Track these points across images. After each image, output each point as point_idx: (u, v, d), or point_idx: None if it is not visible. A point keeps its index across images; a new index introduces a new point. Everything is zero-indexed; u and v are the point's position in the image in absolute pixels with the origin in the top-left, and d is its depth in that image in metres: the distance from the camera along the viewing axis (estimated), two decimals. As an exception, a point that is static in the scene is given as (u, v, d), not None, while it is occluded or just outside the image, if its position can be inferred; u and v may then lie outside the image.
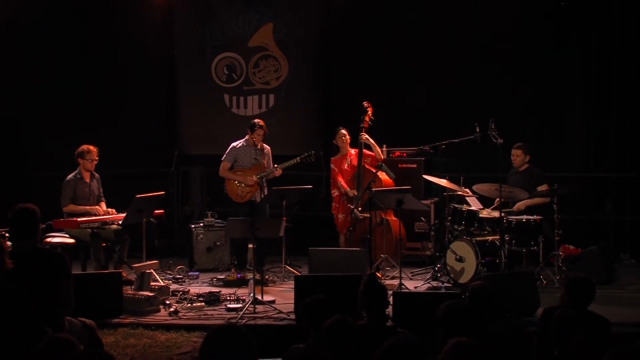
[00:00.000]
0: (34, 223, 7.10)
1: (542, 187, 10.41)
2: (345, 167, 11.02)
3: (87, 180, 10.40)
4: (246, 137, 10.86)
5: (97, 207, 10.28)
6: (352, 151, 11.01)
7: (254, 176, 10.69)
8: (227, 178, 10.88)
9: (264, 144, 10.78)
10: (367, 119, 10.85)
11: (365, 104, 10.90)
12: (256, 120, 10.88)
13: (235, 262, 10.98)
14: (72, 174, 10.35)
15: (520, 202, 10.44)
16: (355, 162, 10.90)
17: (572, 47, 12.31)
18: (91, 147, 10.38)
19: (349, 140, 11.03)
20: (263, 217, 10.37)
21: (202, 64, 12.87)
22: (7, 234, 8.05)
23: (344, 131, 11.04)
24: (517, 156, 10.64)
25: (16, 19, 12.62)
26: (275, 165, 10.74)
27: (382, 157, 11.09)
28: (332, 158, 11.26)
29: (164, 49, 13.01)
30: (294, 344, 5.84)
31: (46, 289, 5.94)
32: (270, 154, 10.89)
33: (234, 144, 10.92)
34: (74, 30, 12.72)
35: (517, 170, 10.74)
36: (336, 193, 11.14)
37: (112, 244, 10.26)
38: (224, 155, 10.93)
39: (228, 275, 10.45)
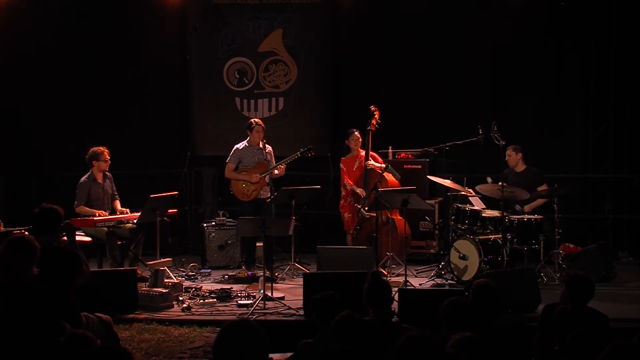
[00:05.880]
0: (55, 222, 7.31)
1: (542, 187, 10.58)
2: (355, 169, 11.14)
3: (100, 181, 10.53)
4: (247, 138, 11.00)
5: (103, 211, 10.32)
6: (362, 152, 11.11)
7: (258, 174, 10.82)
8: (233, 179, 10.99)
9: (267, 145, 10.85)
10: (374, 122, 10.95)
11: (372, 107, 10.98)
12: (252, 120, 11.07)
13: (244, 260, 11.04)
14: (85, 176, 10.47)
15: (527, 206, 10.64)
16: (364, 164, 11.03)
17: (572, 52, 12.36)
18: (101, 148, 10.51)
19: (360, 143, 11.18)
20: (269, 215, 10.45)
21: (214, 69, 12.98)
22: (26, 232, 8.25)
23: (357, 134, 11.13)
24: (509, 155, 10.78)
25: (35, 27, 12.75)
26: (278, 164, 10.83)
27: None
28: (342, 158, 11.36)
29: (177, 54, 13.10)
30: (303, 339, 6.01)
31: (63, 285, 6.03)
32: (272, 154, 10.97)
33: (237, 145, 11.03)
34: (89, 37, 12.83)
35: (513, 171, 10.89)
36: (344, 192, 11.27)
37: (127, 242, 10.38)
38: (228, 157, 11.05)
39: (239, 273, 10.58)
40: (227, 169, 11.07)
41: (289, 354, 6.08)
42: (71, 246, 7.98)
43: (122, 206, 10.68)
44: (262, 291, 8.88)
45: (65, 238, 9.77)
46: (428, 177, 11.14)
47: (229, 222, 11.57)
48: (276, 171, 10.80)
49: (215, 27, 13.00)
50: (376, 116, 10.99)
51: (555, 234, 10.14)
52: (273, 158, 10.96)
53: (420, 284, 9.99)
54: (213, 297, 9.26)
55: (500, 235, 10.08)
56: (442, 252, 11.00)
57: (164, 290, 9.05)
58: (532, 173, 10.87)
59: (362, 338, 5.50)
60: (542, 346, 6.36)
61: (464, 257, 9.97)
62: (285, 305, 8.83)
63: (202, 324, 8.39)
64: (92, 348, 4.29)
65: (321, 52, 12.93)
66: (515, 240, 10.16)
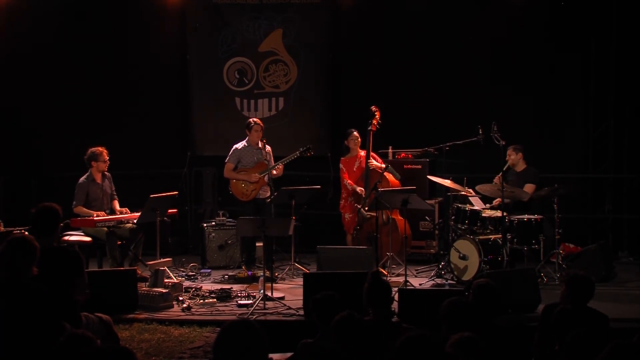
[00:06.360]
0: (54, 223, 7.28)
1: (529, 187, 10.60)
2: (355, 169, 11.15)
3: (99, 182, 10.53)
4: (247, 138, 11.01)
5: (101, 212, 10.34)
6: (362, 153, 11.13)
7: (257, 173, 10.83)
8: (232, 178, 11.00)
9: (267, 145, 10.86)
10: (374, 122, 10.96)
11: (373, 108, 10.99)
12: (251, 119, 11.10)
13: (244, 260, 11.06)
14: (84, 177, 10.47)
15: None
16: (364, 165, 11.03)
17: (572, 52, 12.37)
18: (100, 149, 10.51)
19: (359, 143, 11.21)
20: (269, 215, 10.44)
21: (214, 69, 12.99)
22: (26, 232, 8.25)
23: (356, 134, 11.16)
24: (509, 155, 10.75)
25: (35, 27, 12.77)
26: (277, 164, 10.85)
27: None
28: (342, 158, 11.35)
29: (177, 54, 13.12)
30: (302, 339, 6.02)
31: (63, 286, 5.97)
32: (271, 154, 10.97)
33: (236, 145, 11.04)
34: (89, 37, 12.86)
35: (514, 170, 10.87)
36: (345, 193, 11.26)
37: (127, 242, 10.38)
38: (227, 157, 11.06)
39: (239, 273, 10.59)
40: (226, 168, 11.07)
41: (289, 354, 6.07)
42: (72, 247, 8.01)
43: (122, 206, 10.68)
44: (262, 291, 8.89)
45: (65, 238, 9.89)
46: (428, 177, 11.14)
47: (229, 222, 11.57)
48: (274, 171, 10.80)
49: (215, 27, 13.00)
50: (377, 116, 11.00)
51: (555, 234, 10.16)
52: (272, 158, 10.95)
53: (420, 284, 10.00)
54: (213, 297, 9.26)
55: (500, 235, 10.08)
56: (442, 252, 11.02)
57: (164, 290, 9.05)
58: (532, 173, 10.87)
59: (362, 338, 5.50)
60: (542, 346, 6.36)
61: (464, 257, 9.98)
62: (285, 305, 8.84)
63: (202, 324, 8.39)
64: (96, 348, 4.29)
65: (321, 52, 12.93)
66: (515, 240, 10.17)
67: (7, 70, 12.86)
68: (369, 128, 11.00)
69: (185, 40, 13.11)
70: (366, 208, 10.86)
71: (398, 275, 10.34)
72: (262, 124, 10.99)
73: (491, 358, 5.20)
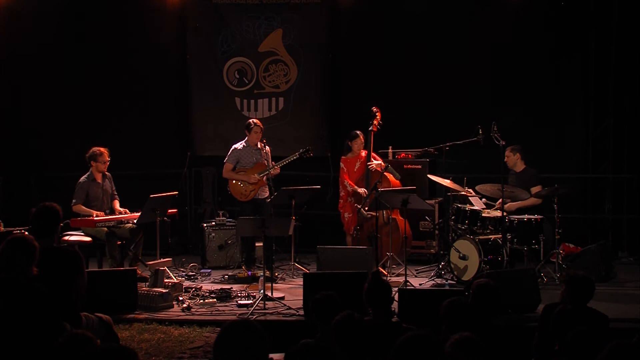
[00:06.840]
0: (54, 223, 7.27)
1: (536, 189, 10.56)
2: (355, 169, 11.14)
3: (100, 181, 10.53)
4: (246, 138, 11.02)
5: (100, 212, 10.34)
6: (363, 153, 11.13)
7: (256, 174, 10.85)
8: (231, 179, 11.02)
9: (266, 145, 10.90)
10: (375, 122, 10.97)
11: (374, 109, 11.00)
12: (251, 120, 11.10)
13: (244, 260, 11.09)
14: (85, 176, 10.48)
15: (512, 204, 10.57)
16: (365, 165, 11.03)
17: (572, 51, 12.37)
18: (102, 149, 10.50)
19: (362, 146, 11.16)
20: (268, 215, 10.47)
21: (214, 69, 13.00)
22: (26, 232, 8.25)
23: (361, 138, 11.10)
24: (507, 157, 10.74)
25: (35, 27, 12.80)
26: (273, 163, 10.83)
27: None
28: (342, 157, 11.34)
29: (177, 54, 13.13)
30: (302, 339, 6.08)
31: (63, 286, 5.93)
32: (270, 155, 10.98)
33: (235, 145, 11.06)
34: (89, 37, 12.91)
35: (513, 171, 10.87)
36: (343, 192, 11.27)
37: (127, 242, 10.37)
38: (226, 157, 11.08)
39: (239, 273, 10.58)
40: (225, 168, 11.09)
41: (288, 355, 6.08)
42: (72, 247, 7.99)
43: (121, 206, 10.66)
44: (262, 291, 8.89)
45: (65, 238, 9.88)
46: (428, 176, 11.12)
47: (229, 222, 11.57)
48: (271, 171, 10.80)
49: (215, 27, 13.01)
50: (378, 117, 11.01)
51: (555, 234, 10.16)
52: (270, 158, 10.94)
53: (420, 284, 9.99)
54: (213, 297, 9.25)
55: (500, 235, 10.08)
56: (442, 252, 10.98)
57: (164, 290, 9.03)
58: (530, 174, 10.86)
59: (362, 338, 5.50)
60: (542, 346, 6.37)
61: (464, 257, 9.97)
62: (285, 305, 8.83)
63: (202, 324, 8.38)
64: (100, 347, 4.28)
65: (321, 52, 12.93)
66: (515, 240, 10.16)
67: (7, 70, 12.87)
68: (370, 128, 11.00)
69: (185, 40, 13.12)
70: (366, 208, 10.86)
71: (398, 275, 10.33)
72: (261, 125, 11.00)
73: (491, 358, 5.19)
